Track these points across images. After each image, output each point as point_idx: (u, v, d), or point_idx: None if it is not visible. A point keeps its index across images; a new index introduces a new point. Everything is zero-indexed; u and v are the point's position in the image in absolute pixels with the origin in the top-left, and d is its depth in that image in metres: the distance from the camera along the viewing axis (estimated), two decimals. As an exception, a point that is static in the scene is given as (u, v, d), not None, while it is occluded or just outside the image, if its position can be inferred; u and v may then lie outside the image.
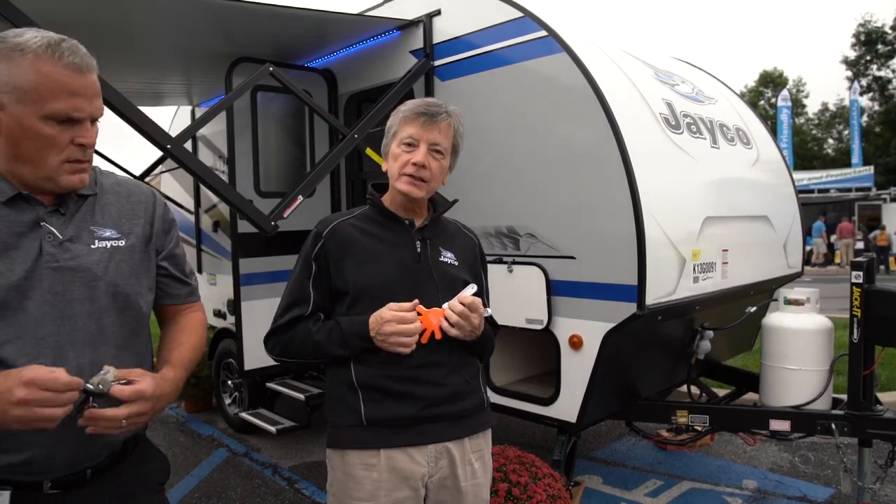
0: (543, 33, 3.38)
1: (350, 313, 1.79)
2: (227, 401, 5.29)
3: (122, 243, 1.43)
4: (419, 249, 1.83)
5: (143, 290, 1.48)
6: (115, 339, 1.41)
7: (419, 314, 1.72)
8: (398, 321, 1.67)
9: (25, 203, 1.34)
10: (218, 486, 4.14)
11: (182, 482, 4.21)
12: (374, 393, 1.76)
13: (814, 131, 46.28)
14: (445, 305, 1.74)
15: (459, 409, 1.82)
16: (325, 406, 1.90)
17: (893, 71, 34.42)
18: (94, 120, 1.35)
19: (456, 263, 1.88)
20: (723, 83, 4.87)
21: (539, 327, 3.41)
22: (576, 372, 3.29)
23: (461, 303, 1.73)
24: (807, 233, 5.59)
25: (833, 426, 3.27)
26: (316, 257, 1.81)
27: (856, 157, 27.18)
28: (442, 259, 1.86)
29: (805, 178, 26.32)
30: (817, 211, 21.87)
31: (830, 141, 45.51)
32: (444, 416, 1.80)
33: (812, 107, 47.75)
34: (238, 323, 4.45)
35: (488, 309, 1.91)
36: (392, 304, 1.71)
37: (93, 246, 1.39)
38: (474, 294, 1.85)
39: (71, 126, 1.30)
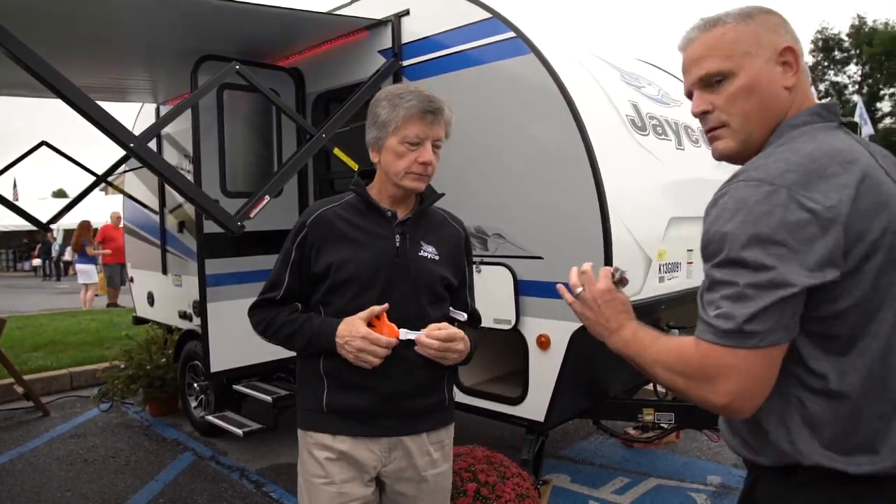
0: (512, 34, 3.40)
1: (326, 300, 1.85)
2: (193, 404, 5.20)
3: None
4: (398, 243, 1.84)
5: None
6: None
7: (374, 322, 1.75)
8: (373, 341, 1.71)
9: None
10: (183, 491, 4.07)
11: (146, 487, 4.13)
12: (337, 382, 1.83)
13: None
14: (421, 333, 1.75)
15: (418, 406, 1.87)
16: (296, 388, 1.99)
17: (849, 77, 35.41)
18: None
19: (437, 258, 1.89)
20: (687, 86, 4.94)
21: (507, 327, 3.43)
22: (544, 371, 3.32)
23: (437, 338, 1.74)
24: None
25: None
26: (299, 245, 1.86)
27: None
28: (421, 254, 1.87)
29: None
30: None
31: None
32: (401, 412, 1.85)
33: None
34: (204, 325, 4.38)
35: (463, 315, 1.96)
36: (364, 315, 1.74)
37: None
38: (460, 307, 1.94)
39: None
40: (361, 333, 1.71)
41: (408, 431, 1.86)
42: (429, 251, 1.88)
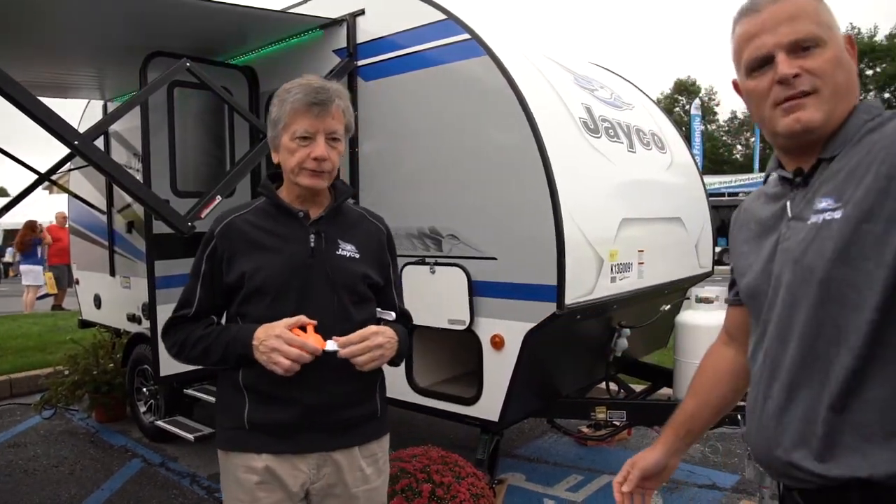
0: (466, 36, 3.41)
1: (242, 311, 1.76)
2: (142, 409, 5.07)
3: (836, 215, 1.15)
4: (313, 243, 1.75)
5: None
6: None
7: (300, 335, 1.63)
8: (287, 341, 1.59)
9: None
10: (132, 499, 3.96)
11: (92, 497, 4.00)
12: (258, 395, 1.72)
13: (724, 137, 49.11)
14: (336, 347, 1.62)
15: (346, 418, 1.77)
16: (215, 406, 1.87)
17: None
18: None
19: (357, 256, 1.80)
20: (640, 90, 5.05)
21: (461, 328, 3.44)
22: (498, 371, 3.34)
23: (349, 342, 1.63)
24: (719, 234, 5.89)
25: (739, 416, 3.44)
26: (208, 257, 1.77)
27: (757, 164, 29.24)
28: (339, 253, 1.77)
29: (716, 181, 27.79)
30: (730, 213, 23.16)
31: (739, 147, 48.54)
32: (328, 426, 1.75)
33: (723, 114, 50.56)
34: (153, 327, 4.27)
35: (392, 314, 1.88)
36: (288, 321, 1.64)
37: (810, 221, 1.18)
38: (388, 307, 1.87)
39: None
40: (276, 332, 1.60)
41: (337, 446, 1.76)
42: (347, 249, 1.79)
